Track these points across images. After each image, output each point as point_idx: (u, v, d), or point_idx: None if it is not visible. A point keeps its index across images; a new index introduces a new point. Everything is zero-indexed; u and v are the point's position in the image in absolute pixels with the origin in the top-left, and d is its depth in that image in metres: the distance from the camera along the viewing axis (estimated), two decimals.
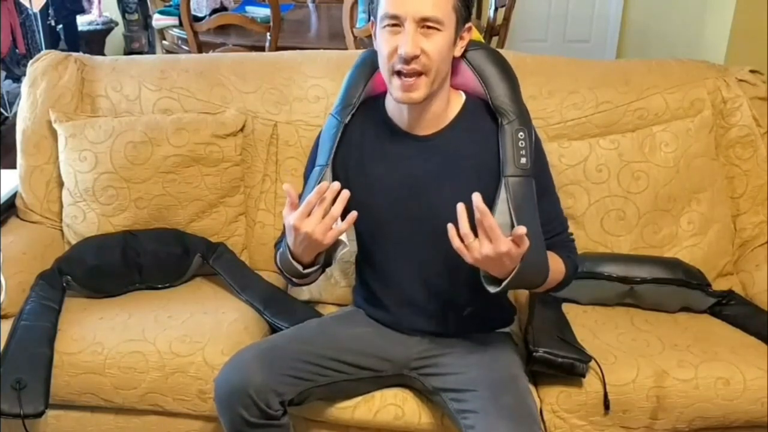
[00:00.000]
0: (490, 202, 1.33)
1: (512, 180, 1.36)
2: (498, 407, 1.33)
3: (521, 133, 1.38)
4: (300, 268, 1.39)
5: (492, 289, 1.31)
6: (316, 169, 1.47)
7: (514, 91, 1.43)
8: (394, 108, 1.43)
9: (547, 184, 1.48)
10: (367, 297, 1.58)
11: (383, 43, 1.32)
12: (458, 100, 1.45)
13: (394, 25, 1.29)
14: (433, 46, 1.29)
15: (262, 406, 1.36)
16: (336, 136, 1.46)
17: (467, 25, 1.37)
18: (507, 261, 1.24)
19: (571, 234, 1.54)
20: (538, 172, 1.42)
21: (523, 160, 1.37)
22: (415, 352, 1.51)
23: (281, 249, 1.43)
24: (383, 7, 1.31)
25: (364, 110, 1.48)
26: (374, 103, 1.48)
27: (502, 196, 1.35)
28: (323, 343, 1.50)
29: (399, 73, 1.31)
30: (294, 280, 1.46)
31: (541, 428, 1.36)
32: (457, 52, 1.38)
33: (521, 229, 1.21)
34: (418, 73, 1.30)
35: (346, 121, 1.46)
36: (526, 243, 1.23)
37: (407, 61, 1.28)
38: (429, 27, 1.28)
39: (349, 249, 1.42)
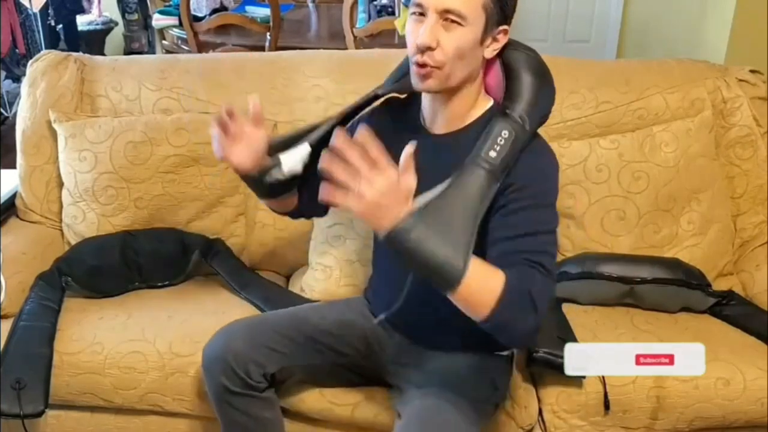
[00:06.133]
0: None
1: (470, 166, 1.24)
2: None
3: (505, 132, 1.27)
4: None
5: (382, 233, 1.14)
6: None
7: (534, 105, 1.32)
8: (423, 101, 1.41)
9: (526, 201, 1.27)
10: (370, 289, 1.61)
11: (409, 31, 1.30)
12: (485, 104, 1.38)
13: (420, 14, 1.27)
14: (451, 40, 1.24)
15: (241, 374, 1.41)
16: (363, 99, 1.47)
17: (502, 27, 1.30)
18: (401, 196, 1.11)
19: (540, 264, 1.21)
20: (530, 182, 1.28)
21: (492, 154, 1.24)
22: (393, 353, 1.50)
23: None
24: None
25: (407, 100, 1.46)
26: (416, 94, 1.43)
27: (452, 176, 1.23)
28: (309, 322, 1.52)
29: (415, 63, 1.28)
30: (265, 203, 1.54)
31: None
32: (488, 54, 1.31)
33: (409, 147, 1.11)
34: (431, 67, 1.27)
35: (380, 92, 1.47)
36: (413, 173, 1.11)
37: (422, 50, 1.25)
38: (451, 20, 1.24)
39: (282, 172, 1.42)
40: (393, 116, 1.46)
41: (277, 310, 1.68)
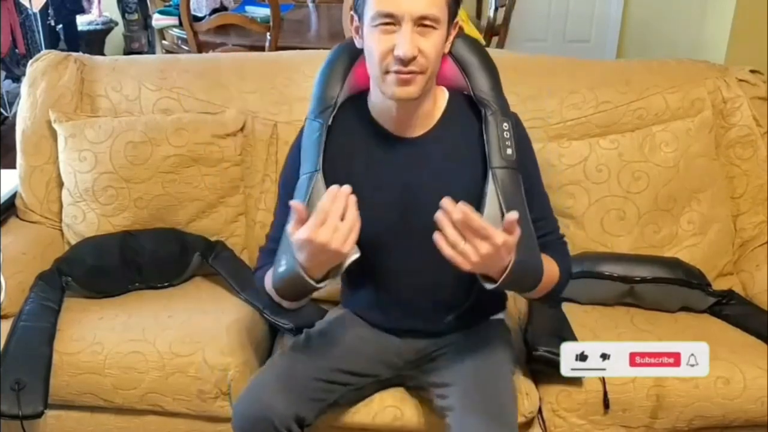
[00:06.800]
0: (479, 197, 1.30)
1: (499, 171, 1.32)
2: (468, 403, 1.33)
3: (505, 124, 1.35)
4: (314, 283, 1.25)
5: (489, 286, 1.24)
6: (305, 176, 1.36)
7: (495, 82, 1.39)
8: (381, 109, 1.37)
9: (534, 181, 1.42)
10: (361, 300, 1.53)
11: (375, 43, 1.24)
12: (443, 96, 1.40)
13: (388, 23, 1.23)
14: (430, 45, 1.24)
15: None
16: (321, 139, 1.36)
17: (455, 21, 1.32)
18: (504, 253, 1.17)
19: (563, 236, 1.47)
20: (525, 167, 1.38)
21: (509, 151, 1.33)
22: (412, 353, 1.50)
23: (280, 269, 1.29)
24: (374, 5, 1.23)
25: (346, 110, 1.40)
26: (356, 102, 1.40)
27: (491, 187, 1.30)
28: (332, 353, 1.47)
29: (397, 72, 1.25)
30: (288, 304, 1.37)
31: (515, 428, 1.36)
32: (447, 48, 1.33)
33: (513, 215, 1.16)
34: (414, 73, 1.25)
35: (329, 122, 1.37)
36: (518, 229, 1.17)
37: (405, 62, 1.22)
38: (426, 25, 1.23)
39: (357, 254, 1.27)
40: (347, 121, 1.40)
41: (276, 311, 1.60)
